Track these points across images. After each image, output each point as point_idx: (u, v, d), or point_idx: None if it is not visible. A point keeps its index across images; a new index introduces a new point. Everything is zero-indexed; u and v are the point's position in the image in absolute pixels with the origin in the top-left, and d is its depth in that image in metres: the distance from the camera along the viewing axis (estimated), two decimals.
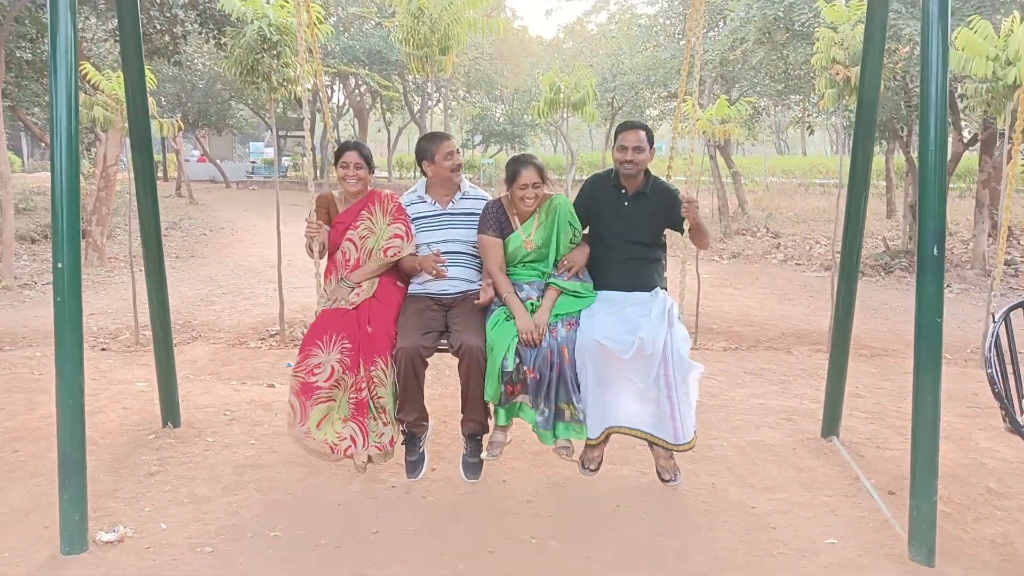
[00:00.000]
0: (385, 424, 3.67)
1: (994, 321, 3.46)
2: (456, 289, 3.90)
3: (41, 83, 13.28)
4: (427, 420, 3.79)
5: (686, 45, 3.93)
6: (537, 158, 3.89)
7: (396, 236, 3.90)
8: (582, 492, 3.90)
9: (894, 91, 10.82)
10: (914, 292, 3.27)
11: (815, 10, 9.24)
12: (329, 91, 27.63)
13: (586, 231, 3.99)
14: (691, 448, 3.60)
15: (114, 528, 3.39)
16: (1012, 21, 6.24)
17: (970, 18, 6.41)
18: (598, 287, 3.86)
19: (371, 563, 3.22)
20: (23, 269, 10.93)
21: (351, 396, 3.64)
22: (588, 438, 3.64)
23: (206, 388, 5.59)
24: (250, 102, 25.81)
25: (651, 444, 3.69)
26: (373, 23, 21.71)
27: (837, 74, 6.84)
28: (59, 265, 3.16)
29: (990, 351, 3.35)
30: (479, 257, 3.96)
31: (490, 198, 4.06)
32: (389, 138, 33.86)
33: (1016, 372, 3.46)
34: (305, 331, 4.46)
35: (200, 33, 12.16)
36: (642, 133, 3.83)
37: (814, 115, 16.62)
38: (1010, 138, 6.02)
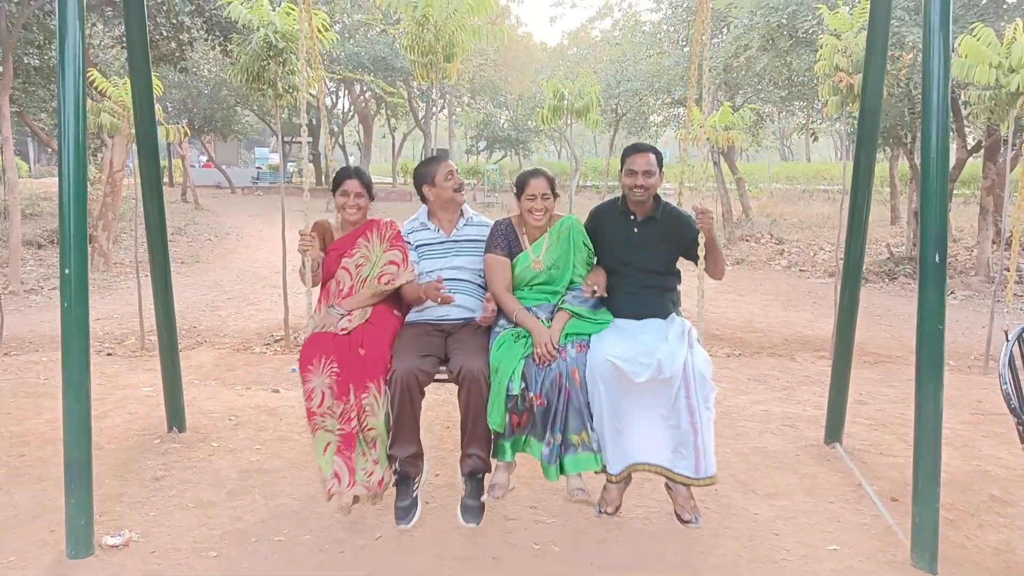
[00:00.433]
0: (375, 462, 3.37)
1: (1007, 340, 3.47)
2: (457, 315, 3.66)
3: (48, 89, 13.37)
4: (422, 459, 3.50)
5: (692, 51, 3.84)
6: (547, 170, 3.75)
7: (392, 263, 3.68)
8: None
9: (898, 98, 10.83)
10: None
11: (818, 17, 9.28)
12: (335, 97, 27.75)
13: None
14: (713, 484, 3.27)
15: (119, 532, 3.41)
16: (1015, 28, 6.25)
17: (973, 25, 6.43)
18: None
19: (375, 568, 3.24)
20: (30, 274, 10.99)
21: (339, 428, 3.36)
22: (608, 473, 3.34)
23: (211, 393, 5.61)
24: (256, 108, 25.92)
25: (668, 483, 3.37)
26: (378, 30, 21.82)
27: (840, 81, 6.86)
28: (66, 270, 3.19)
29: (1004, 367, 3.36)
30: (485, 287, 3.74)
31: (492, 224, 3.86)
32: (394, 144, 33.98)
33: None
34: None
35: (206, 40, 12.24)
36: (652, 156, 3.65)
37: (818, 122, 16.64)
38: (1014, 145, 6.03)
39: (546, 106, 9.29)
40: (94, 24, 12.58)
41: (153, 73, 4.57)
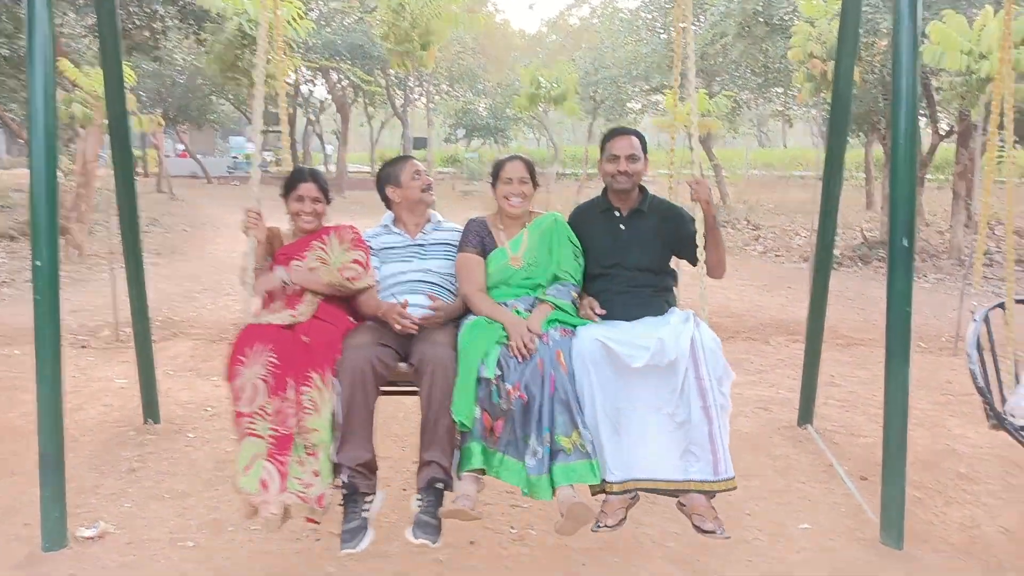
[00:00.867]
0: (315, 474, 2.78)
1: (974, 320, 3.53)
2: (421, 313, 3.19)
3: (19, 79, 13.14)
4: (375, 473, 2.91)
5: (676, 36, 3.57)
6: (526, 156, 3.46)
7: (356, 262, 3.25)
8: None
9: (872, 84, 10.94)
10: None
11: (793, 4, 9.34)
12: (311, 85, 27.50)
13: None
14: (734, 487, 2.82)
15: (95, 524, 3.40)
16: (985, 15, 6.33)
17: (944, 12, 6.50)
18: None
19: (352, 556, 3.25)
20: (1, 267, 10.84)
21: (271, 430, 2.77)
22: (605, 481, 2.86)
23: (187, 384, 5.59)
24: (231, 97, 25.64)
25: (679, 501, 2.91)
26: (355, 18, 21.63)
27: (815, 68, 6.93)
28: (38, 263, 3.17)
29: (972, 348, 3.42)
30: (456, 293, 3.38)
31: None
32: (372, 132, 33.79)
33: (996, 367, 3.56)
34: None
35: (180, 29, 12.09)
36: (635, 139, 3.30)
37: (793, 108, 16.77)
38: (984, 130, 6.12)
39: (522, 94, 9.30)
40: (65, 13, 12.38)
41: (126, 63, 4.52)
